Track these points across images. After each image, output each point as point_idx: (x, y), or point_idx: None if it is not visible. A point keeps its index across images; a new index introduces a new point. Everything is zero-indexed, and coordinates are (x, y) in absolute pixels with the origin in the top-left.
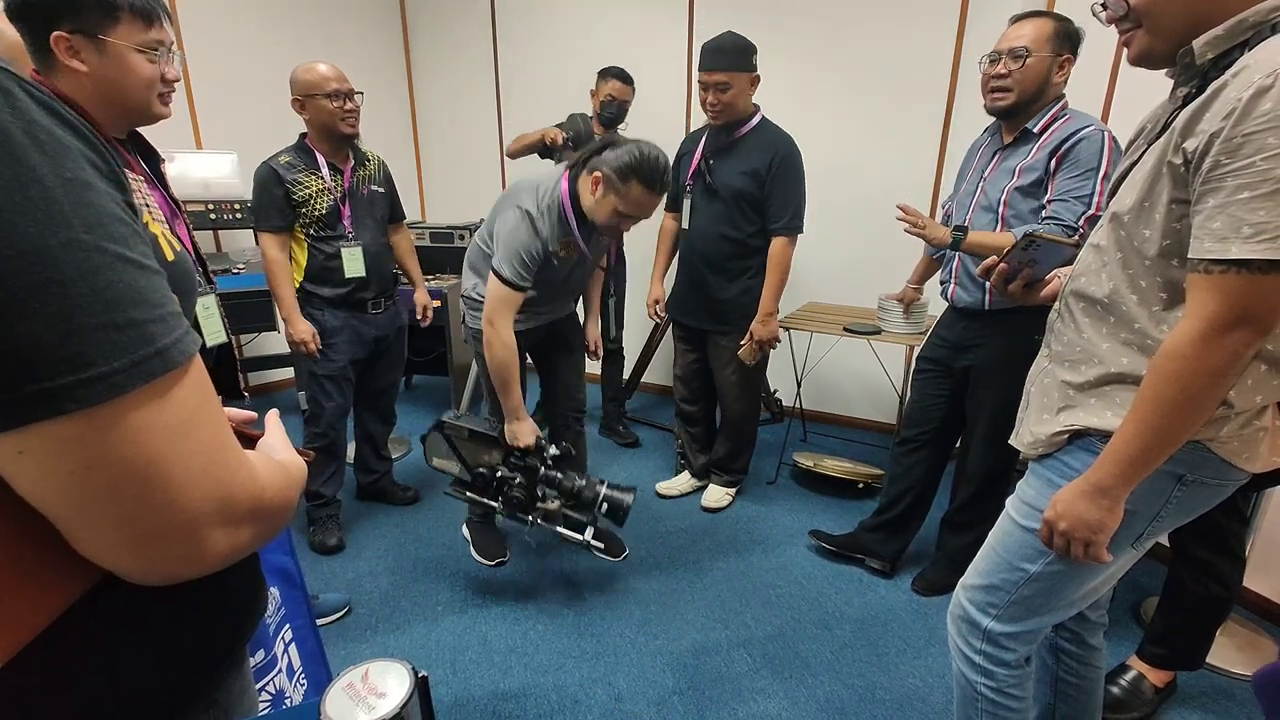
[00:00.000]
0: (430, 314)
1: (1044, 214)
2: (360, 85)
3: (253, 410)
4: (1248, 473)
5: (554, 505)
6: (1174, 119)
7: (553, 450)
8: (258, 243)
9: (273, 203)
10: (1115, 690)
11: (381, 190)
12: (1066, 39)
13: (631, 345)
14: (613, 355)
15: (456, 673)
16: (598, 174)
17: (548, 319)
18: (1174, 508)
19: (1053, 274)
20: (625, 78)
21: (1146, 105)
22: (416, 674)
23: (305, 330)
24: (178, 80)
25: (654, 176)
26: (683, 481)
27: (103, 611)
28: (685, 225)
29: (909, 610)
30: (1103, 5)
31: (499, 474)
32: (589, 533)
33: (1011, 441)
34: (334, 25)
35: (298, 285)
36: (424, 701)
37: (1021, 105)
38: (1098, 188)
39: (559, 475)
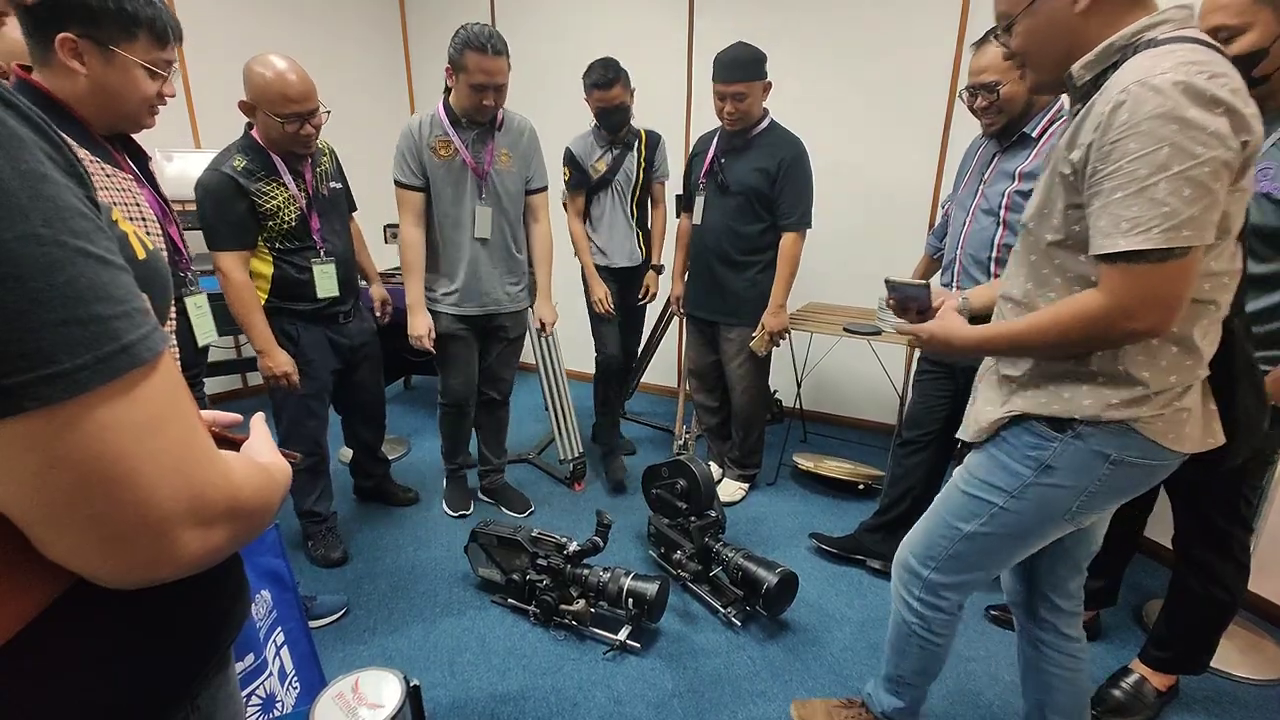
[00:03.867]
0: (390, 311)
1: None
2: (359, 82)
3: (248, 412)
4: (1178, 453)
5: (580, 606)
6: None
7: (574, 547)
8: (215, 265)
9: (235, 218)
10: (1118, 693)
11: (339, 186)
12: None
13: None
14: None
15: (455, 675)
16: (447, 68)
17: (489, 309)
18: (1104, 485)
19: (942, 298)
20: (606, 83)
21: None
22: (408, 683)
23: (286, 362)
24: (173, 97)
25: (481, 41)
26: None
27: (73, 614)
28: (697, 221)
29: None
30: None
31: (528, 577)
32: (623, 632)
33: (959, 434)
34: (333, 24)
35: (263, 301)
36: (416, 711)
37: (1015, 122)
38: None
39: (584, 572)
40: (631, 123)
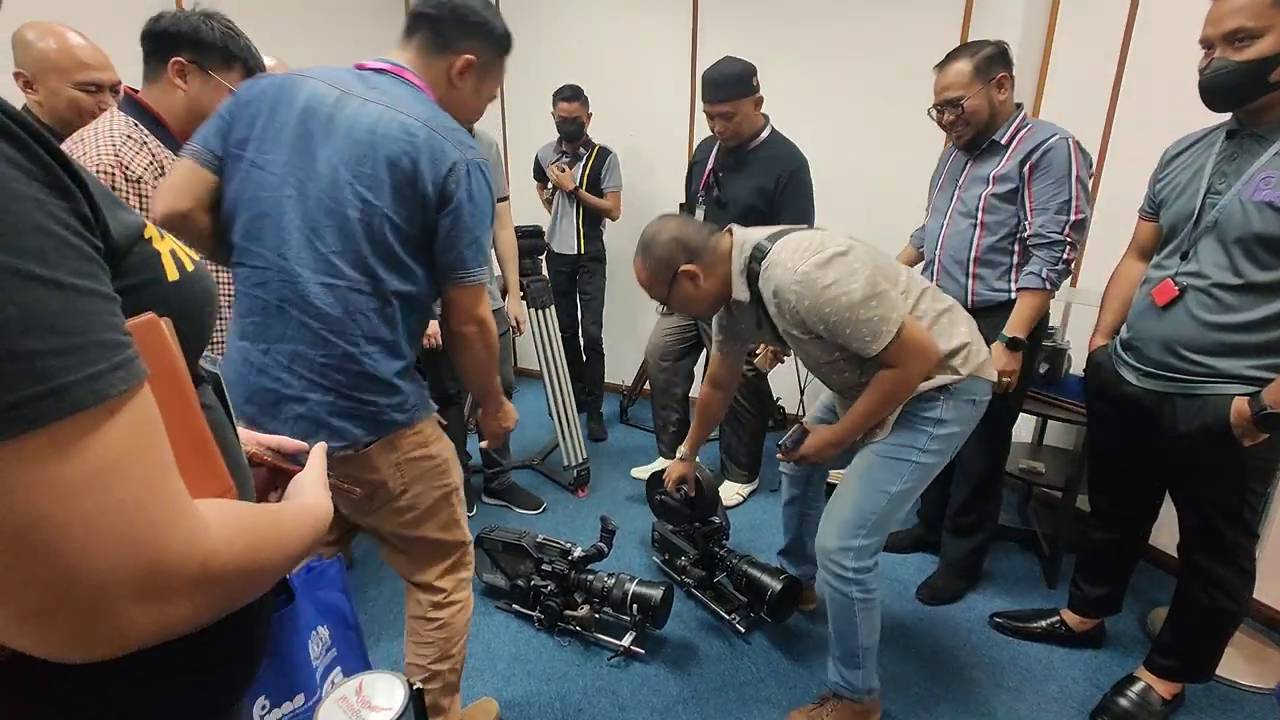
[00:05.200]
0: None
1: (1029, 231)
2: None
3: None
4: (990, 382)
5: (584, 611)
6: (763, 316)
7: (578, 552)
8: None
9: None
10: (1123, 701)
11: None
12: (990, 64)
13: (626, 346)
14: (592, 355)
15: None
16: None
17: None
18: (970, 421)
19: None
20: (567, 97)
21: (1145, 126)
22: (411, 686)
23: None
24: None
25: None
26: (658, 464)
27: (37, 668)
28: None
29: (914, 619)
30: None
31: (533, 583)
32: (628, 638)
33: (865, 442)
34: (338, 27)
35: None
36: (419, 714)
37: (981, 134)
38: (1074, 191)
39: (588, 578)
40: (589, 138)
